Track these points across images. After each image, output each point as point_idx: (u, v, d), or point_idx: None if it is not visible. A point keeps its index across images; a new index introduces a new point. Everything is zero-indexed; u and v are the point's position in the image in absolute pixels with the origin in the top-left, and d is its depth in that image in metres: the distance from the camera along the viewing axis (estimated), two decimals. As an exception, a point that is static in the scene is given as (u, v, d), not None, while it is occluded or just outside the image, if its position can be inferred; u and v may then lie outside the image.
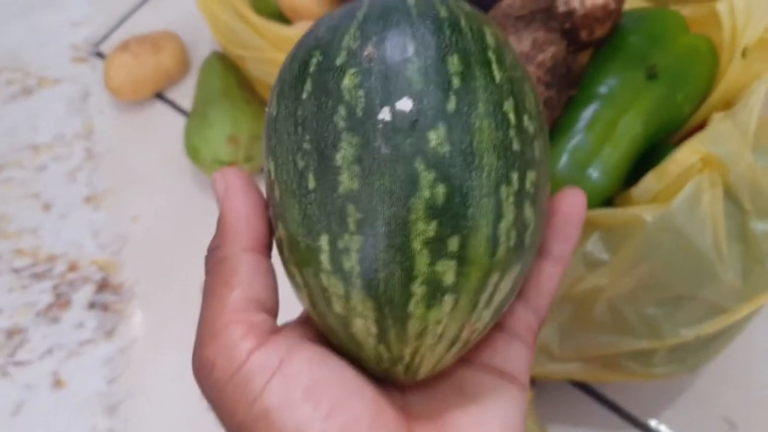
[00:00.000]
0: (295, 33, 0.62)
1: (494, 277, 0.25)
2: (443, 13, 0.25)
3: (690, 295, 0.45)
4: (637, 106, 0.46)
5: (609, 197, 0.47)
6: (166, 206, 0.71)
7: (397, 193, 0.23)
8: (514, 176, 0.24)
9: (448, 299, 0.24)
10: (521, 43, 0.44)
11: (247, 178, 0.28)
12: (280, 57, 0.62)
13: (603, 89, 0.46)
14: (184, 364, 0.63)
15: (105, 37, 0.83)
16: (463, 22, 0.25)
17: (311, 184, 0.24)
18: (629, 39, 0.47)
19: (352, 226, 0.23)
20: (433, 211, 0.23)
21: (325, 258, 0.24)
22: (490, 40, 0.26)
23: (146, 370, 0.63)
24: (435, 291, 0.24)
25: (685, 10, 0.52)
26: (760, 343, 0.55)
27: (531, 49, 0.44)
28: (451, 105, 0.23)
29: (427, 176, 0.23)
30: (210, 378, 0.25)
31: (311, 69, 0.25)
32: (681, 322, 0.46)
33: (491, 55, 0.25)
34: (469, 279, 0.24)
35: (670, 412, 0.54)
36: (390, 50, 0.24)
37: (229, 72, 0.70)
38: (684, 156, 0.43)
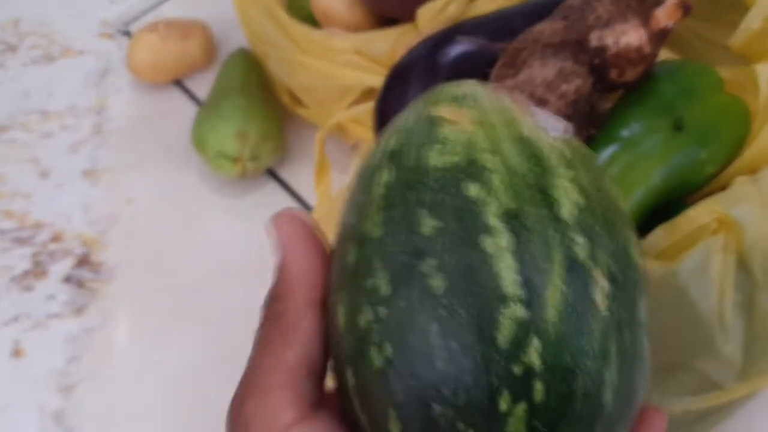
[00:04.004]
0: (322, 37, 0.60)
1: None
2: None
3: (684, 363, 0.42)
4: (658, 156, 0.43)
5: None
6: (163, 193, 0.69)
7: None
8: None
9: None
10: (546, 69, 0.42)
11: (309, 225, 0.27)
12: (304, 59, 0.61)
13: (625, 133, 0.44)
14: (147, 358, 0.60)
15: (137, 18, 0.82)
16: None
17: None
18: (660, 87, 0.45)
19: None
20: None
21: None
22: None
23: (108, 356, 0.60)
24: None
25: (724, 71, 0.49)
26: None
27: (555, 77, 0.42)
28: None
29: None
30: None
31: None
32: (670, 392, 0.43)
33: None
34: None
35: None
36: None
37: (251, 70, 0.69)
38: (699, 214, 0.41)
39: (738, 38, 0.48)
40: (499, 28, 0.48)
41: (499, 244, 0.21)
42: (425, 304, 0.22)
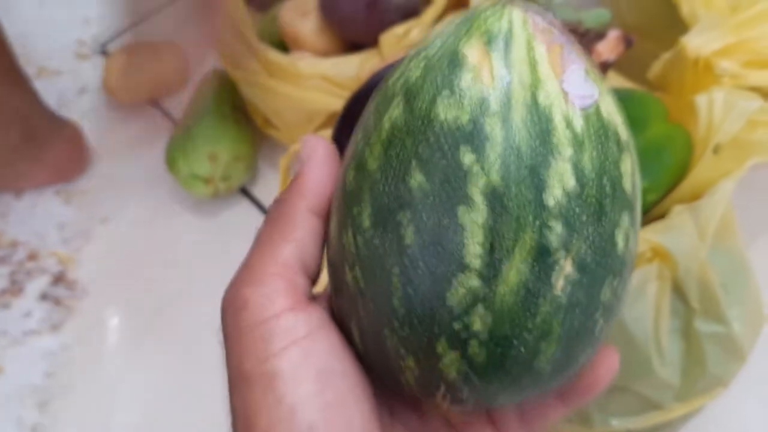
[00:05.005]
0: (289, 62, 0.62)
1: None
2: None
3: (623, 386, 0.44)
4: (600, 186, 0.45)
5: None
6: (138, 213, 0.71)
7: None
8: None
9: None
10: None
11: (333, 150, 0.28)
12: (272, 83, 0.63)
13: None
14: (121, 373, 0.62)
15: (113, 39, 0.84)
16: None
17: None
18: (604, 118, 0.47)
19: None
20: None
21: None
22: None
23: (84, 371, 0.62)
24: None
25: (669, 99, 0.51)
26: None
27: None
28: None
29: None
30: (237, 316, 0.25)
31: None
32: (612, 413, 0.45)
33: None
34: None
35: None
36: None
37: (224, 91, 0.71)
38: (635, 242, 0.42)
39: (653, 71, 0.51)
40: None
41: (473, 218, 0.22)
42: (394, 248, 0.24)
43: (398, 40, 0.60)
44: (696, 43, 0.50)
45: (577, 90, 0.24)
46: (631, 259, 0.25)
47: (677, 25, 0.58)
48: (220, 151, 0.65)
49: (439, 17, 0.62)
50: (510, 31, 0.24)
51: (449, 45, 0.24)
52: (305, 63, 0.62)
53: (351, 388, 0.25)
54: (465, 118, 0.23)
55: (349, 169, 0.26)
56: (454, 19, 0.26)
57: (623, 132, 0.25)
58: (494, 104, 0.23)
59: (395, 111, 0.24)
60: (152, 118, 0.76)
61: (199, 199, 0.70)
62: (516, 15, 0.24)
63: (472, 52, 0.24)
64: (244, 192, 0.71)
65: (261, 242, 0.27)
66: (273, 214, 0.27)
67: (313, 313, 0.25)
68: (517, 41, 0.24)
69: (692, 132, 0.48)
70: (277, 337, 0.24)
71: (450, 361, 0.24)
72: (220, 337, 0.26)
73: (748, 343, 0.44)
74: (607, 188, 0.23)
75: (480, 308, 0.23)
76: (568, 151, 0.23)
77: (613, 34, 0.46)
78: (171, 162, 0.66)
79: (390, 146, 0.24)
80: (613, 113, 0.25)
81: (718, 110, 0.46)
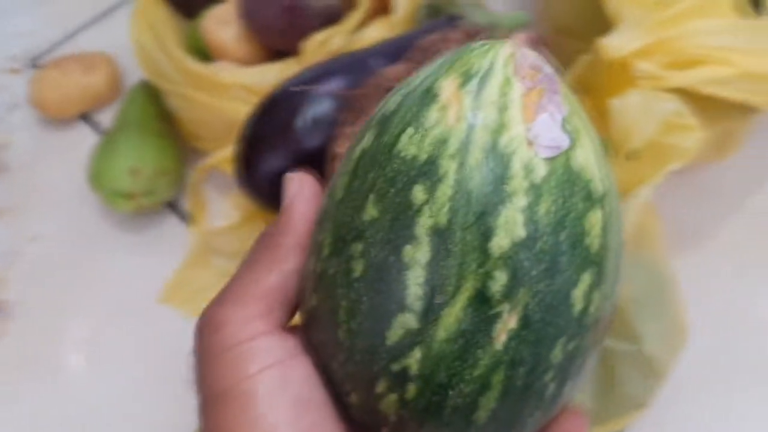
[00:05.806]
0: (210, 72, 0.60)
1: None
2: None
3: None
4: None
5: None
6: (66, 231, 0.68)
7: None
8: None
9: None
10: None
11: (318, 187, 0.29)
12: (195, 94, 0.61)
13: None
14: (49, 398, 0.60)
15: (46, 52, 0.82)
16: None
17: None
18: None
19: None
20: None
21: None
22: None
23: (6, 397, 0.60)
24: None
25: (591, 102, 0.49)
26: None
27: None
28: None
29: None
30: (213, 336, 0.25)
31: None
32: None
33: None
34: None
35: None
36: None
37: (150, 103, 0.68)
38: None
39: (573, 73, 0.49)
40: (359, 69, 0.48)
41: (415, 256, 0.22)
42: (344, 281, 0.24)
43: (320, 46, 0.58)
44: (615, 43, 0.47)
45: (544, 138, 0.23)
46: (595, 323, 0.24)
47: (608, 25, 0.56)
48: (142, 166, 0.63)
49: (362, 23, 0.60)
50: (489, 70, 0.23)
51: (428, 80, 0.24)
52: (226, 72, 0.60)
53: (326, 418, 0.25)
54: (423, 157, 0.23)
55: (325, 197, 0.27)
56: (448, 53, 0.25)
57: (598, 186, 0.23)
58: (453, 146, 0.22)
59: (367, 142, 0.24)
60: (83, 132, 0.74)
61: (126, 215, 0.67)
62: (503, 52, 0.24)
63: (445, 90, 0.23)
64: (172, 207, 0.68)
65: (244, 269, 0.27)
66: (260, 245, 0.28)
67: (289, 340, 0.26)
68: (492, 81, 0.23)
69: (609, 137, 0.46)
70: (254, 359, 0.24)
71: (389, 403, 0.24)
72: (189, 359, 0.25)
73: (665, 361, 0.42)
74: (564, 244, 0.22)
75: (417, 352, 0.23)
76: (522, 201, 0.22)
77: (520, 37, 0.43)
78: (94, 178, 0.64)
79: (355, 177, 0.24)
80: (588, 165, 0.23)
81: (632, 114, 0.44)
